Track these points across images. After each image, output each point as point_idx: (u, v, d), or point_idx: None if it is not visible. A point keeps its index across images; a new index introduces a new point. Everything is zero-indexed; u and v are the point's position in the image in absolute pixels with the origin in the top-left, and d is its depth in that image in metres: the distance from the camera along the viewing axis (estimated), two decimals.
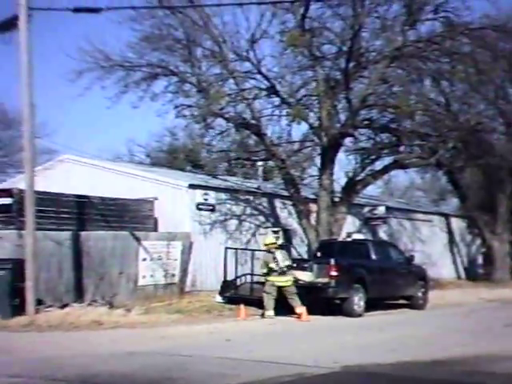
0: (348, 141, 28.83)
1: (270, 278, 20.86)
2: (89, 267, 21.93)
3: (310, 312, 20.53)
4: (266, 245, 21.98)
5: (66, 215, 22.80)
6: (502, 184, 38.25)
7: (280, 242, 27.09)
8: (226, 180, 29.42)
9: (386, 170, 30.12)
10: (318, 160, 28.95)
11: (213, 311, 21.69)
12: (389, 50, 25.64)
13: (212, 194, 26.97)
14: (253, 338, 16.04)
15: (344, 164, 29.85)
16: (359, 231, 30.67)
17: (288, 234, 29.31)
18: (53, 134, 65.62)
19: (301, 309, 20.44)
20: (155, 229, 25.57)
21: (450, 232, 41.26)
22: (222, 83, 26.63)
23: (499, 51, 27.64)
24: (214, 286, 24.23)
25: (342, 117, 27.55)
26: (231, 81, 26.62)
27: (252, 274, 23.80)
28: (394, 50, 25.43)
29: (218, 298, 23.17)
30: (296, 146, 29.21)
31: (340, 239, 25.11)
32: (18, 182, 24.03)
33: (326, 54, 27.21)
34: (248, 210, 28.70)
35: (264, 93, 26.96)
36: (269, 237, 23.67)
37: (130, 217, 24.75)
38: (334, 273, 21.02)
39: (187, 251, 25.26)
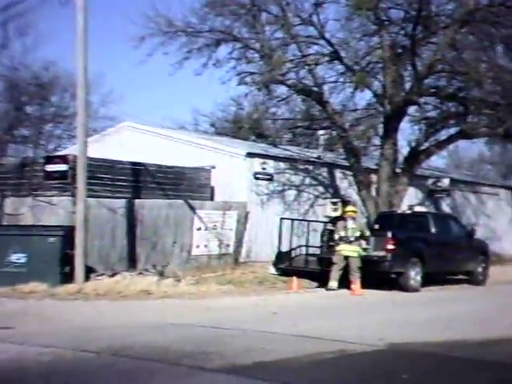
0: (412, 109, 28.11)
1: (338, 247, 20.45)
2: (142, 236, 21.80)
3: (366, 286, 20.12)
4: (344, 212, 21.54)
5: (121, 183, 22.56)
6: None
7: (339, 213, 26.70)
8: (285, 149, 28.87)
9: (451, 140, 29.12)
10: (380, 129, 28.25)
11: (265, 283, 21.37)
12: (459, 14, 24.66)
13: (270, 163, 26.49)
14: (300, 311, 15.65)
15: (407, 134, 29.11)
16: (422, 204, 29.93)
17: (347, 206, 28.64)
18: (118, 101, 66.18)
19: (356, 285, 19.99)
20: (212, 198, 25.24)
21: None
22: (285, 49, 26.02)
23: None
24: (270, 257, 23.91)
25: (407, 85, 26.69)
26: (294, 46, 25.98)
27: (307, 246, 23.46)
28: (465, 14, 24.37)
29: (272, 270, 22.87)
30: (359, 115, 28.45)
31: (399, 211, 24.38)
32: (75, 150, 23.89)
33: (392, 18, 26.34)
34: (307, 180, 28.14)
35: (327, 59, 26.22)
36: (350, 206, 23.08)
37: (186, 185, 24.45)
38: (390, 246, 20.49)
39: (243, 221, 24.91)
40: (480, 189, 37.50)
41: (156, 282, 18.77)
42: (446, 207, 34.19)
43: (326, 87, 26.88)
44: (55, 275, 18.00)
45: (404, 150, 28.74)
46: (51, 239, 18.36)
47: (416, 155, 27.62)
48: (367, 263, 20.43)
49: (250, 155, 25.86)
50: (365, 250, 20.65)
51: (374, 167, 27.60)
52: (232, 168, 25.50)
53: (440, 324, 13.30)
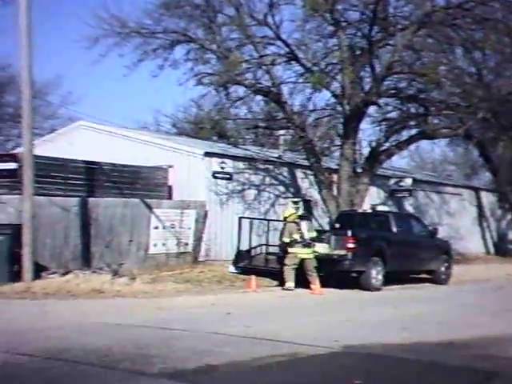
0: (373, 110, 27.89)
1: (293, 250, 19.97)
2: (97, 234, 21.22)
3: (326, 285, 19.71)
4: (285, 217, 21.08)
5: (75, 181, 22.05)
6: None
7: (300, 212, 26.24)
8: (245, 149, 28.37)
9: (411, 140, 28.90)
10: (340, 130, 27.88)
11: (224, 282, 20.93)
12: (417, 16, 24.38)
13: (229, 162, 25.99)
14: (256, 311, 15.12)
15: (368, 134, 28.80)
16: (384, 203, 29.70)
17: (309, 205, 28.27)
18: (78, 102, 65.38)
19: (315, 285, 19.55)
20: (170, 197, 24.74)
21: (480, 206, 39.94)
22: (241, 49, 25.71)
23: None
24: (230, 256, 23.55)
25: (367, 86, 26.41)
26: (251, 47, 25.63)
27: (267, 245, 23.01)
28: (422, 16, 24.09)
29: (231, 268, 22.45)
30: (318, 115, 28.10)
31: (360, 210, 24.00)
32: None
33: (349, 19, 25.99)
34: (267, 180, 27.72)
35: (284, 59, 25.87)
36: (288, 209, 22.65)
37: (142, 184, 23.95)
38: (351, 245, 20.08)
39: (202, 220, 24.38)
40: (443, 189, 37.46)
41: (109, 280, 18.18)
42: (408, 207, 34.03)
43: (285, 88, 26.64)
44: (4, 274, 17.48)
45: (365, 150, 28.44)
46: None
47: (377, 155, 27.31)
48: (327, 262, 20.02)
49: (209, 154, 25.36)
50: (317, 253, 20.20)
51: (335, 167, 27.21)
52: (190, 167, 25.01)
53: (399, 324, 12.83)
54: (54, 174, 21.28)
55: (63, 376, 7.96)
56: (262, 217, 25.85)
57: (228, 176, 25.82)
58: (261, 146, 30.51)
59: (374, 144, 27.67)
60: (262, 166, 27.07)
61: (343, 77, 25.77)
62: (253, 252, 22.89)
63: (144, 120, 49.88)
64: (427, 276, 24.00)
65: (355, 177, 26.45)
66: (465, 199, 38.58)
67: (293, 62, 26.03)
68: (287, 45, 25.43)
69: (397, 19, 25.48)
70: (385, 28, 25.24)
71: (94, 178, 22.53)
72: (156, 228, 22.97)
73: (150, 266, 22.04)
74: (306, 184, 28.74)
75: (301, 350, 9.87)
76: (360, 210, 24.01)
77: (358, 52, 25.94)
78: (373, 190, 29.72)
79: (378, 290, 20.44)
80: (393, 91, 27.12)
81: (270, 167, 27.55)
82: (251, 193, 26.81)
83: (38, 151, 22.09)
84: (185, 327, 11.69)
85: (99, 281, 17.87)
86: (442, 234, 27.62)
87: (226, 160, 25.85)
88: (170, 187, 24.84)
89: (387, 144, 27.80)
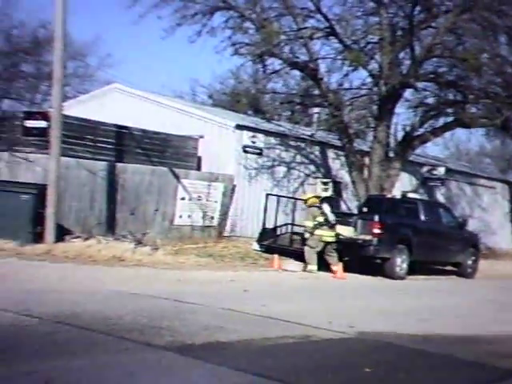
0: (408, 94, 27.34)
1: (318, 232, 19.71)
2: (123, 201, 21.15)
3: (349, 270, 19.44)
4: (305, 201, 20.84)
5: (104, 145, 21.91)
6: None
7: (329, 193, 26.03)
8: (278, 124, 28.04)
9: (446, 127, 28.28)
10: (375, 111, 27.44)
11: (247, 259, 20.74)
12: None
13: (261, 137, 25.68)
14: (274, 291, 14.95)
15: (403, 118, 28.32)
16: (415, 191, 29.19)
17: (338, 187, 27.98)
18: (116, 66, 65.29)
19: (337, 266, 19.33)
20: (198, 168, 24.53)
21: None
22: (280, 21, 25.25)
23: None
24: (255, 233, 23.36)
25: (405, 68, 25.88)
26: (290, 19, 25.15)
27: (293, 225, 22.75)
28: (467, 0, 23.56)
29: (255, 246, 22.24)
30: (353, 94, 27.64)
31: (389, 196, 23.64)
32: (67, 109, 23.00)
33: None
34: (298, 158, 27.41)
35: (322, 34, 25.40)
36: (308, 192, 22.35)
37: (171, 153, 23.77)
38: (376, 230, 19.81)
39: (229, 194, 24.19)
40: (476, 181, 36.81)
41: (131, 249, 18.14)
42: (440, 196, 33.48)
43: (322, 65, 26.13)
44: (26, 234, 17.41)
45: (399, 135, 27.95)
46: (24, 197, 17.71)
47: (410, 140, 26.89)
48: (352, 246, 19.81)
49: (240, 127, 25.07)
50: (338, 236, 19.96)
51: (368, 150, 26.83)
52: (221, 139, 24.80)
53: (418, 315, 12.57)
54: (83, 136, 21.14)
55: (69, 341, 7.84)
56: (290, 195, 25.56)
57: (258, 151, 25.55)
58: (296, 124, 30.21)
59: (408, 128, 27.19)
60: (293, 144, 26.80)
61: (382, 56, 25.36)
62: (278, 231, 22.64)
63: (181, 90, 49.57)
64: (453, 268, 23.66)
65: (387, 161, 26.05)
66: (498, 193, 37.90)
67: (331, 37, 25.51)
68: (327, 19, 24.97)
69: (441, 0, 24.99)
70: (428, 9, 24.75)
71: (123, 143, 22.38)
72: (182, 199, 22.81)
73: (174, 238, 21.94)
74: (337, 165, 28.38)
75: (314, 332, 9.69)
76: (389, 196, 23.67)
77: (398, 32, 25.45)
78: (405, 176, 29.31)
79: (401, 278, 20.18)
80: (431, 75, 26.54)
81: (302, 145, 27.24)
82: (281, 170, 26.53)
83: (71, 112, 22.12)
84: (200, 301, 11.53)
85: (121, 248, 17.81)
86: (472, 226, 27.21)
87: (257, 134, 25.56)
88: (199, 158, 24.64)
89: (421, 130, 27.33)
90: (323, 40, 25.80)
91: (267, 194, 23.52)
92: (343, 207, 27.52)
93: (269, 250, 21.61)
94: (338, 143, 27.00)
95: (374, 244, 19.83)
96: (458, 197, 35.19)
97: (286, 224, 23.01)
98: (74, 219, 19.76)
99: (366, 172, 26.25)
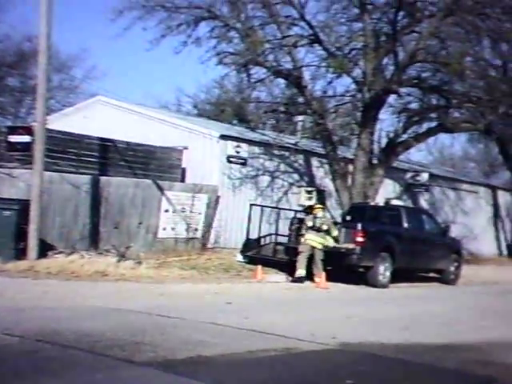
0: (392, 99, 27.48)
1: (306, 236, 19.84)
2: (106, 215, 21.07)
3: (332, 279, 19.47)
4: (313, 209, 20.95)
5: (88, 158, 21.86)
6: None
7: (313, 202, 26.05)
8: (262, 134, 28.10)
9: (430, 132, 28.48)
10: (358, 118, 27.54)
11: (231, 270, 20.68)
12: (445, 2, 23.95)
13: (245, 146, 25.73)
14: (257, 303, 15.00)
15: (387, 124, 28.47)
16: (399, 198, 29.34)
17: (322, 195, 28.03)
18: (101, 78, 65.30)
19: (320, 277, 19.40)
20: (182, 179, 24.52)
21: (496, 205, 39.30)
22: (265, 29, 25.45)
23: None
24: (239, 244, 23.23)
25: (388, 74, 26.03)
26: (274, 28, 25.36)
27: (277, 234, 22.78)
28: (450, 3, 23.70)
29: (239, 257, 22.20)
30: (337, 102, 27.78)
31: (372, 203, 23.72)
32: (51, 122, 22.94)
33: (375, 3, 25.72)
34: (282, 167, 27.48)
35: (306, 41, 25.52)
36: (301, 198, 22.42)
37: (156, 165, 23.75)
38: (359, 239, 19.85)
39: (213, 205, 24.19)
40: (459, 185, 36.94)
41: (115, 263, 18.03)
42: (424, 202, 33.63)
43: (306, 72, 26.31)
44: (9, 251, 17.31)
45: (383, 142, 28.06)
46: (6, 213, 17.64)
47: (393, 147, 27.03)
48: (335, 255, 19.83)
49: (224, 137, 25.10)
50: (326, 246, 20.01)
51: (351, 157, 26.92)
52: (205, 150, 24.80)
53: (401, 323, 12.67)
54: (67, 150, 21.08)
55: (51, 360, 7.83)
56: (274, 205, 25.60)
57: (242, 161, 25.60)
58: (280, 132, 30.34)
59: (391, 135, 27.33)
60: (277, 152, 26.83)
61: (365, 63, 25.55)
62: (262, 241, 22.64)
63: (166, 100, 49.67)
64: (436, 275, 23.74)
65: (370, 168, 26.17)
66: (481, 197, 38.06)
67: (315, 44, 25.65)
68: (311, 26, 25.13)
69: (424, 5, 25.20)
70: (411, 14, 24.93)
71: (107, 156, 22.34)
72: (166, 211, 22.79)
73: (158, 251, 21.87)
74: (321, 173, 28.41)
75: (297, 345, 9.73)
76: (372, 203, 23.75)
77: (382, 38, 25.66)
78: (389, 183, 29.45)
79: (384, 287, 20.21)
80: (415, 81, 26.74)
81: (286, 154, 27.28)
82: (265, 179, 26.57)
83: (56, 126, 22.06)
84: (183, 315, 11.55)
85: (104, 263, 17.73)
86: (455, 232, 27.33)
87: (241, 144, 25.60)
88: (183, 169, 24.63)
89: (405, 136, 27.48)
90: (307, 47, 25.98)
91: (251, 204, 23.52)
92: (328, 216, 27.55)
93: (252, 260, 21.55)
94: (322, 151, 27.08)
95: (357, 252, 19.85)
96: (441, 202, 35.35)
97: (269, 234, 23.04)
98: (58, 234, 19.68)
99: (349, 180, 26.34)
